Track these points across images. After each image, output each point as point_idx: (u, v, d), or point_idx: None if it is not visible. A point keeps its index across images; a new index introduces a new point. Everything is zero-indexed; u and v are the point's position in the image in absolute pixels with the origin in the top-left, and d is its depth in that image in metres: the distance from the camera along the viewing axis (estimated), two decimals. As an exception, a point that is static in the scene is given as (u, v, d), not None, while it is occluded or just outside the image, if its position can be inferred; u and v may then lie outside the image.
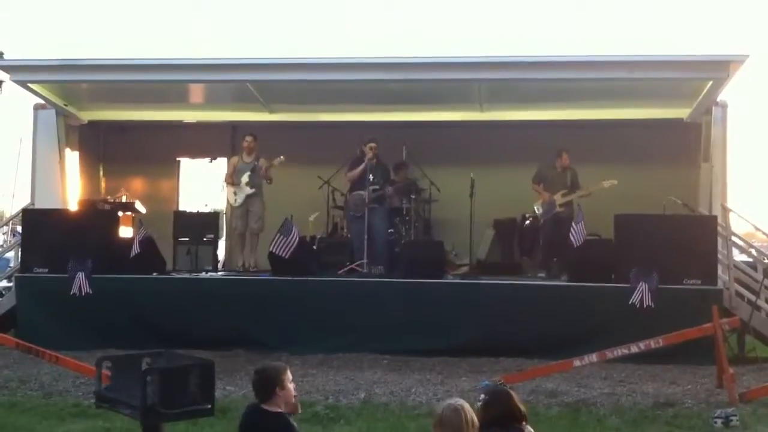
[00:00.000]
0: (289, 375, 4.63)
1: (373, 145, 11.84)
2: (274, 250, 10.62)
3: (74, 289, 10.72)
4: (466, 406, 3.97)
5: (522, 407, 4.25)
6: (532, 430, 4.25)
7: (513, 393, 4.32)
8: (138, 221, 12.21)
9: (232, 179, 12.02)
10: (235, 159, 12.40)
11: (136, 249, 10.91)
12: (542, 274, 11.52)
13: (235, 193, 11.99)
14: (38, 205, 12.46)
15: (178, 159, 14.78)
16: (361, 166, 11.83)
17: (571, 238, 10.31)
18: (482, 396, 4.14)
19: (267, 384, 4.55)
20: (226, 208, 13.03)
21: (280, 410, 4.53)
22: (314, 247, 12.08)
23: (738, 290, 10.70)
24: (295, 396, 4.64)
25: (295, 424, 4.58)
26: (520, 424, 4.21)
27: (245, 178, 11.87)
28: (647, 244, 10.28)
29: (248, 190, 11.86)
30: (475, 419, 3.94)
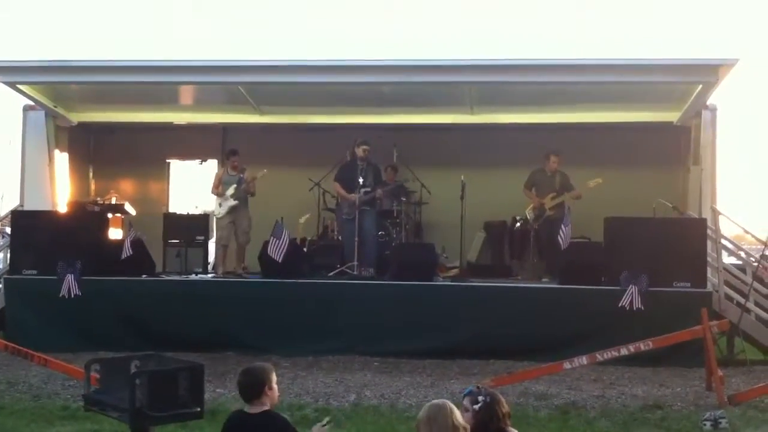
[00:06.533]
0: (274, 376, 4.61)
1: (366, 147, 11.83)
2: (270, 254, 10.60)
3: (63, 291, 10.68)
4: (450, 404, 3.96)
5: (508, 408, 4.25)
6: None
7: (499, 395, 4.33)
8: (128, 223, 12.17)
9: (218, 191, 12.03)
10: (221, 171, 12.48)
11: (127, 251, 10.88)
12: (546, 279, 11.47)
13: (219, 205, 12.03)
14: (27, 207, 12.41)
15: (168, 161, 14.76)
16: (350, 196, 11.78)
17: (559, 239, 10.35)
18: (480, 398, 4.13)
19: (256, 384, 4.52)
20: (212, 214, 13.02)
21: (267, 408, 4.52)
22: (305, 250, 12.08)
23: (727, 293, 10.72)
24: (278, 396, 4.64)
25: (286, 417, 4.57)
26: (507, 426, 4.22)
27: (231, 191, 11.91)
28: (637, 246, 10.31)
29: (232, 202, 11.88)
30: (460, 419, 3.93)
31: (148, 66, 11.88)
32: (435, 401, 4.01)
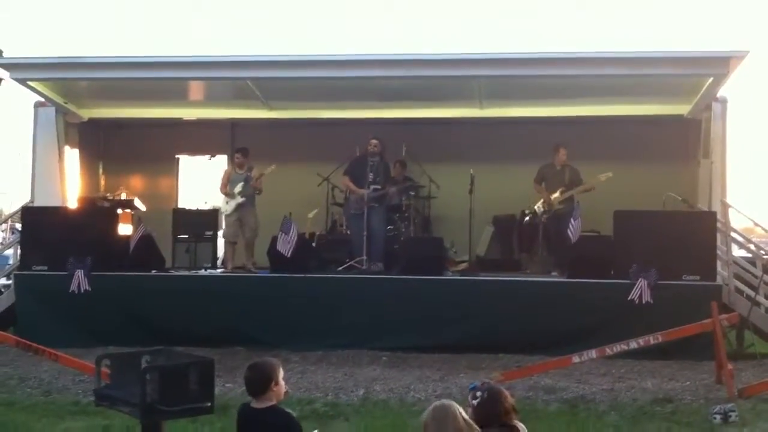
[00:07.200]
0: (281, 371, 4.63)
1: (375, 141, 11.82)
2: (279, 249, 10.62)
3: (73, 287, 10.74)
4: (455, 404, 3.94)
5: (512, 402, 4.23)
6: (523, 426, 4.25)
7: (504, 390, 4.31)
8: (137, 218, 12.20)
9: (226, 189, 12.06)
10: (229, 170, 12.51)
11: (132, 246, 10.94)
12: (555, 273, 11.44)
13: (227, 202, 12.05)
14: (38, 203, 12.47)
15: (177, 156, 14.80)
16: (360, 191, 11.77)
17: (569, 233, 10.34)
18: (478, 393, 4.12)
19: (262, 379, 4.54)
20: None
21: (273, 403, 4.54)
22: (313, 245, 12.09)
23: (737, 286, 10.70)
24: (286, 392, 4.66)
25: (291, 412, 4.59)
26: (512, 420, 4.20)
27: (238, 188, 11.91)
28: (646, 240, 10.29)
29: (239, 199, 11.88)
30: (466, 417, 3.90)
31: (158, 62, 11.91)
32: (439, 402, 3.99)
